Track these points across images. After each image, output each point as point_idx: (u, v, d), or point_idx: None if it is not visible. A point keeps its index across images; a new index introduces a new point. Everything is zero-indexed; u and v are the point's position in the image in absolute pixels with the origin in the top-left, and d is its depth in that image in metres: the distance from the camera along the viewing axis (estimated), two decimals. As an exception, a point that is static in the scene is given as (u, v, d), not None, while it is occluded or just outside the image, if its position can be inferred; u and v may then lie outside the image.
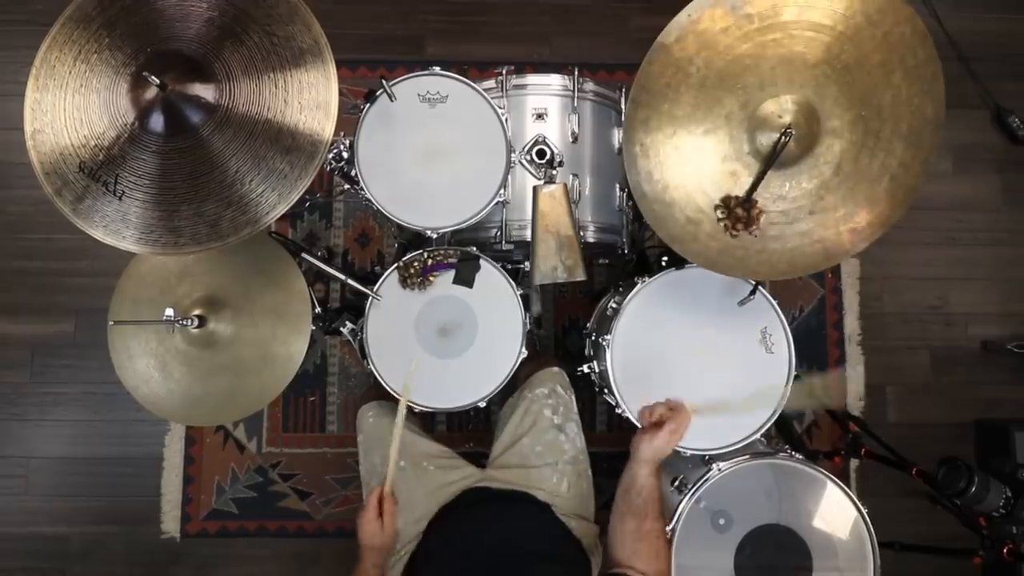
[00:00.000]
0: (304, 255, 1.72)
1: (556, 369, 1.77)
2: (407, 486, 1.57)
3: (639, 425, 1.52)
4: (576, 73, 1.76)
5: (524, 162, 1.72)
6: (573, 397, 1.73)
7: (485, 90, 1.66)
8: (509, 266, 1.76)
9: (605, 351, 1.66)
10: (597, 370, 1.78)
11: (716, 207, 1.41)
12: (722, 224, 1.41)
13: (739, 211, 1.40)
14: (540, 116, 1.75)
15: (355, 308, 1.88)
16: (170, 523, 2.42)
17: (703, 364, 1.66)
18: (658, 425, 1.43)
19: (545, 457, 1.59)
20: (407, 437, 1.66)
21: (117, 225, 1.32)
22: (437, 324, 1.67)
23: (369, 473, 1.65)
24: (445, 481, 1.58)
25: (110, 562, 2.42)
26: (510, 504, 1.53)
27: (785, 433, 2.35)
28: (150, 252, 1.34)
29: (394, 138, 1.64)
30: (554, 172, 1.70)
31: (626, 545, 1.30)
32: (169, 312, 1.51)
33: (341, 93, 1.34)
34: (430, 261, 1.66)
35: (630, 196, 1.56)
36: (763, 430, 1.64)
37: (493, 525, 1.47)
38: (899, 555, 1.93)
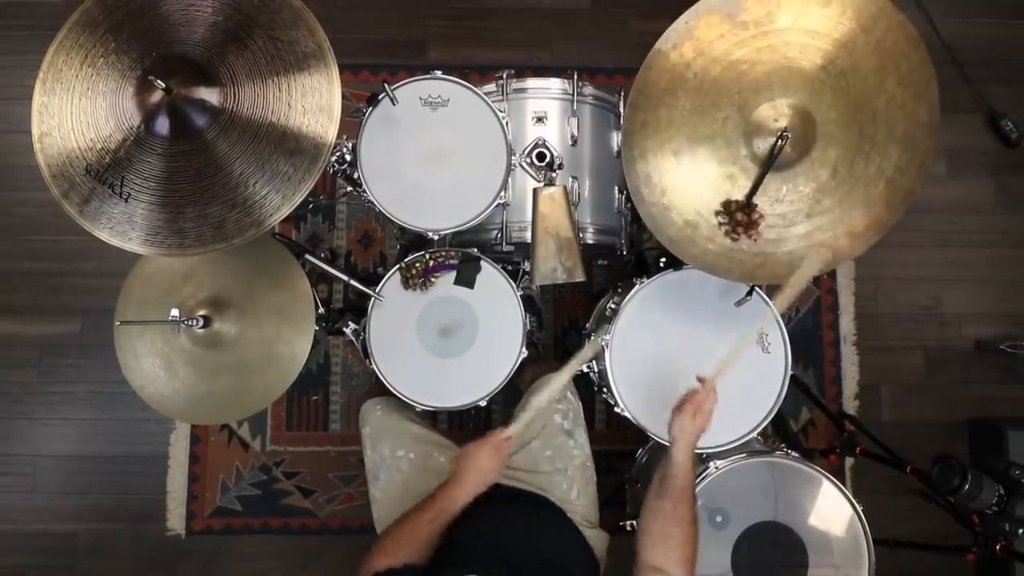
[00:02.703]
0: (307, 256, 1.72)
1: None
2: (417, 476, 1.59)
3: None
4: (575, 77, 1.77)
5: (524, 165, 1.74)
6: (580, 405, 1.74)
7: (486, 94, 1.68)
8: (509, 267, 1.77)
9: (604, 351, 1.68)
10: (596, 369, 1.80)
11: (716, 212, 1.43)
12: (723, 228, 1.43)
13: (739, 215, 1.41)
14: (540, 119, 1.77)
15: (358, 308, 1.89)
16: (175, 520, 2.44)
17: (700, 364, 1.67)
18: (684, 407, 1.42)
19: (555, 462, 1.60)
20: (416, 429, 1.68)
21: (123, 227, 1.33)
22: (438, 324, 1.68)
23: (377, 465, 1.65)
24: None
25: (116, 559, 2.44)
26: (533, 506, 1.53)
27: (781, 431, 2.36)
28: (155, 253, 1.35)
29: (396, 141, 1.65)
30: (554, 175, 1.72)
31: (657, 528, 1.30)
32: (174, 312, 1.51)
33: (344, 97, 1.35)
34: (432, 262, 1.68)
35: (629, 198, 1.58)
36: (759, 429, 1.66)
37: (520, 524, 1.47)
38: (894, 552, 1.94)
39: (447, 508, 1.38)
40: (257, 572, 2.45)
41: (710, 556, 1.65)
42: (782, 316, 1.67)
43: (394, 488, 1.61)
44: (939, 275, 2.63)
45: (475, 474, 1.42)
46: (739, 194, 1.42)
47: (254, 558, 2.44)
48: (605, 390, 1.77)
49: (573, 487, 1.59)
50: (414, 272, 1.67)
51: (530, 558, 1.38)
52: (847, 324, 2.58)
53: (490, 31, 2.72)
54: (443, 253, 1.69)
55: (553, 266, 1.66)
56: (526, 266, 1.74)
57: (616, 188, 1.86)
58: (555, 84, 1.78)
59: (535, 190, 1.66)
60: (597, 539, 1.55)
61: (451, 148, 1.66)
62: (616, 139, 1.84)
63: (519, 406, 1.78)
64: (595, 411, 2.50)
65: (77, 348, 2.52)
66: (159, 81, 1.27)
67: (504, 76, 1.77)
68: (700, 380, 1.45)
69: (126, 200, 1.33)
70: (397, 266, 1.69)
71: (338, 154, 1.66)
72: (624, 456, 2.16)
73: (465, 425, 2.49)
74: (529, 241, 1.69)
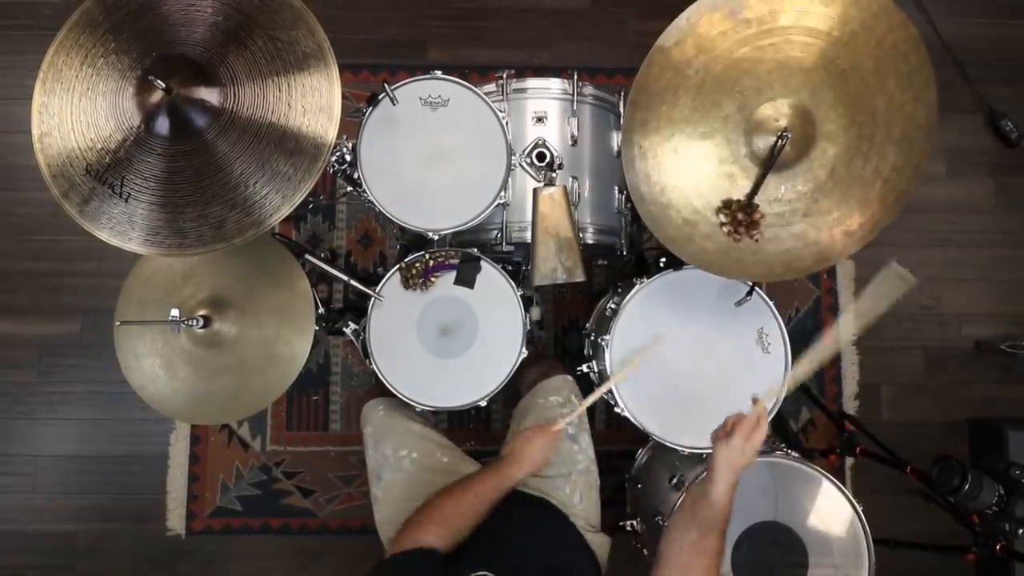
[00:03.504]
0: (307, 256, 1.72)
1: (569, 378, 1.79)
2: (419, 475, 1.59)
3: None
4: (575, 77, 1.77)
5: (524, 165, 1.74)
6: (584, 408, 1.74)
7: (486, 94, 1.68)
8: (509, 267, 1.77)
9: (604, 351, 1.67)
10: (596, 370, 1.80)
11: (718, 211, 1.43)
12: (724, 229, 1.43)
13: (740, 215, 1.41)
14: (540, 119, 1.77)
15: (358, 308, 1.89)
16: (175, 520, 2.44)
17: (701, 364, 1.68)
18: (729, 435, 1.29)
19: (559, 467, 1.60)
20: (418, 428, 1.69)
21: (123, 227, 1.33)
22: (438, 324, 1.68)
23: (379, 464, 1.66)
24: (460, 470, 1.60)
25: (116, 559, 2.44)
26: (536, 511, 1.53)
27: (781, 432, 2.36)
28: (155, 253, 1.35)
29: (396, 141, 1.65)
30: (554, 175, 1.72)
31: (682, 555, 1.22)
32: (174, 312, 1.51)
33: (344, 97, 1.35)
34: (432, 262, 1.68)
35: (629, 198, 1.58)
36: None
37: (524, 529, 1.45)
38: (894, 552, 1.94)
39: (503, 484, 1.37)
40: (257, 572, 2.45)
41: (710, 556, 1.65)
42: (781, 315, 1.67)
43: (396, 488, 1.61)
44: (939, 275, 2.63)
45: (535, 454, 1.42)
46: (738, 193, 1.43)
47: (254, 558, 2.44)
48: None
49: (576, 492, 1.59)
50: (414, 272, 1.67)
51: (535, 560, 1.38)
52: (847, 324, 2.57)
53: (490, 31, 2.72)
54: (443, 253, 1.69)
55: (553, 266, 1.66)
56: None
57: (616, 188, 1.86)
58: (555, 84, 1.78)
59: (535, 190, 1.66)
60: (599, 543, 1.55)
61: (451, 148, 1.66)
62: (616, 139, 1.84)
63: (519, 408, 1.78)
64: (595, 411, 2.50)
65: (77, 348, 2.52)
66: (159, 81, 1.27)
67: (504, 76, 1.77)
68: (753, 401, 1.33)
69: (126, 200, 1.33)
70: (397, 266, 1.69)
71: (338, 154, 1.66)
72: (624, 456, 2.16)
73: (465, 425, 2.50)
74: (529, 241, 1.69)
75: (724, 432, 1.30)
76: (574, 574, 1.43)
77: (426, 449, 1.64)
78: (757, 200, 1.42)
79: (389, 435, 1.68)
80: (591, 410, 2.45)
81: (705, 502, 1.25)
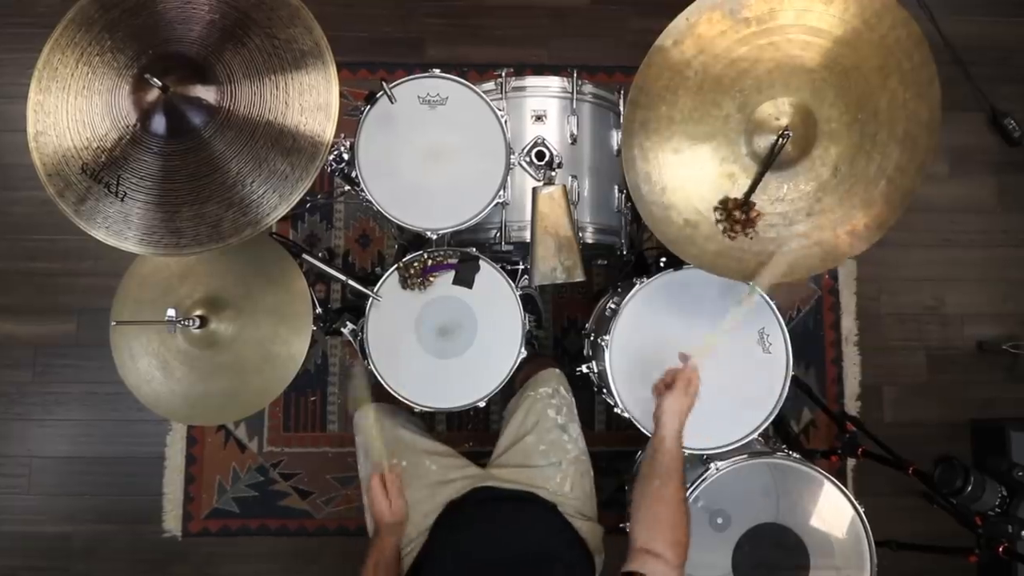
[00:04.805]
0: (305, 256, 1.72)
1: (557, 371, 1.79)
2: (409, 484, 1.58)
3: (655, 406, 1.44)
4: (575, 75, 1.77)
5: (523, 164, 1.73)
6: (573, 399, 1.74)
7: (485, 92, 1.67)
8: (508, 267, 1.76)
9: (604, 351, 1.67)
10: (596, 370, 1.80)
11: (715, 209, 1.42)
12: (720, 226, 1.42)
13: (737, 213, 1.40)
14: (539, 118, 1.76)
15: (356, 309, 1.89)
16: (172, 522, 2.43)
17: (701, 364, 1.66)
18: (670, 387, 1.41)
19: (549, 456, 1.60)
20: (407, 436, 1.68)
21: (119, 226, 1.33)
22: (437, 324, 1.68)
23: (371, 473, 1.65)
24: (447, 477, 1.59)
25: (112, 561, 2.43)
26: (520, 505, 1.54)
27: (782, 433, 2.36)
28: (152, 253, 1.34)
29: (394, 140, 1.64)
30: (553, 174, 1.71)
31: (646, 509, 1.27)
32: (171, 312, 1.50)
33: (342, 95, 1.35)
34: (430, 262, 1.67)
35: (629, 198, 1.58)
36: (761, 429, 1.65)
37: (506, 527, 1.48)
38: (896, 554, 1.93)
39: (384, 556, 1.45)
40: (254, 574, 2.44)
41: (711, 558, 1.65)
42: (783, 316, 1.66)
43: None
44: (941, 275, 2.62)
45: (383, 508, 1.49)
46: (739, 193, 1.42)
47: (251, 559, 2.43)
48: (605, 390, 1.77)
49: (567, 481, 1.59)
50: (412, 272, 1.67)
51: (510, 551, 1.40)
52: (848, 324, 2.57)
53: (488, 29, 2.71)
54: (442, 253, 1.69)
55: (552, 266, 1.66)
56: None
57: (616, 187, 1.85)
58: (554, 82, 1.78)
59: (534, 189, 1.65)
60: (590, 531, 1.55)
61: (450, 147, 1.66)
62: (616, 138, 1.83)
63: (508, 407, 1.78)
64: (595, 411, 2.49)
65: (73, 348, 2.51)
66: (155, 79, 1.26)
67: (503, 74, 1.76)
68: (683, 358, 1.45)
69: (122, 199, 1.32)
70: (395, 266, 1.68)
71: (336, 153, 1.66)
72: (624, 456, 2.15)
73: (464, 426, 2.49)
74: (528, 240, 1.68)
75: (664, 385, 1.42)
76: (553, 558, 1.42)
77: (414, 458, 1.64)
78: (759, 199, 1.41)
79: (379, 444, 1.67)
80: (590, 411, 2.46)
81: (661, 452, 1.33)
